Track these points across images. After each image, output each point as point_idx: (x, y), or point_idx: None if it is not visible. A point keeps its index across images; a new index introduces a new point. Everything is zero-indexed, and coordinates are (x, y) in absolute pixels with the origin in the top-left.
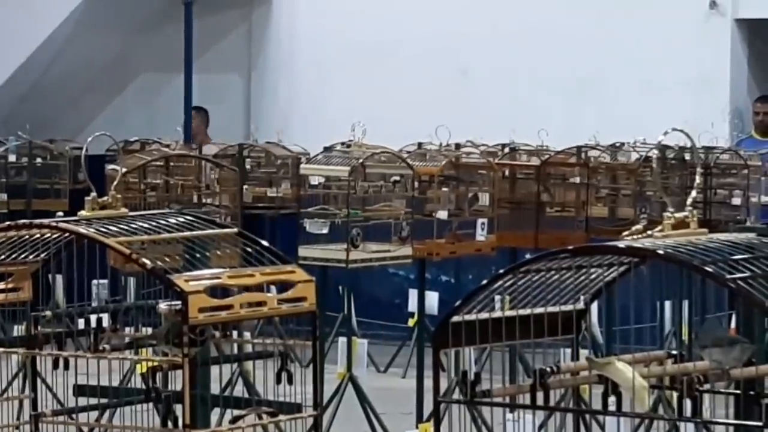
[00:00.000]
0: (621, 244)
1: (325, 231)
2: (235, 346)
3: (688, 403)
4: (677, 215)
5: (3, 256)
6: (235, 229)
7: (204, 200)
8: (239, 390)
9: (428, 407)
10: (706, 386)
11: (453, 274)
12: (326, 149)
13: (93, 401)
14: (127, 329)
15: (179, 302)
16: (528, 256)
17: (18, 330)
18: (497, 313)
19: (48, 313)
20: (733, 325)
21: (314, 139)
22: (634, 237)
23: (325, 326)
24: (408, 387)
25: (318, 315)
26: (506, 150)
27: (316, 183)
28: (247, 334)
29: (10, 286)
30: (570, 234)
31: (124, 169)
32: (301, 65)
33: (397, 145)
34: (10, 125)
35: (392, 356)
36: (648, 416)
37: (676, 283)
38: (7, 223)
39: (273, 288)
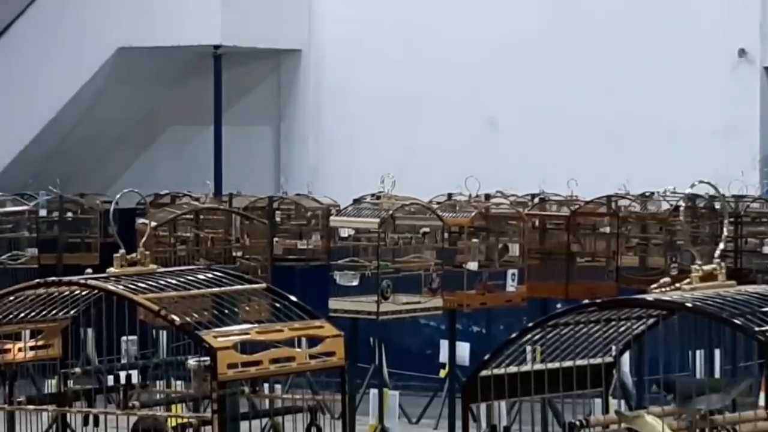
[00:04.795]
0: (649, 298)
1: (355, 283)
2: (266, 400)
3: None
4: (705, 267)
5: (33, 314)
6: (264, 285)
7: (234, 253)
8: None
9: None
10: None
11: (484, 324)
12: (356, 201)
13: None
14: (157, 383)
15: (208, 358)
16: (559, 306)
17: (49, 385)
18: (526, 367)
19: (77, 369)
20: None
21: (344, 190)
22: (663, 289)
23: (356, 378)
24: None
25: (347, 370)
26: (536, 200)
27: (346, 235)
28: (278, 387)
29: (40, 343)
30: (600, 284)
31: (153, 223)
32: (330, 117)
33: (426, 196)
34: (40, 180)
35: (424, 407)
36: None
37: (706, 333)
38: (37, 280)
39: (303, 340)
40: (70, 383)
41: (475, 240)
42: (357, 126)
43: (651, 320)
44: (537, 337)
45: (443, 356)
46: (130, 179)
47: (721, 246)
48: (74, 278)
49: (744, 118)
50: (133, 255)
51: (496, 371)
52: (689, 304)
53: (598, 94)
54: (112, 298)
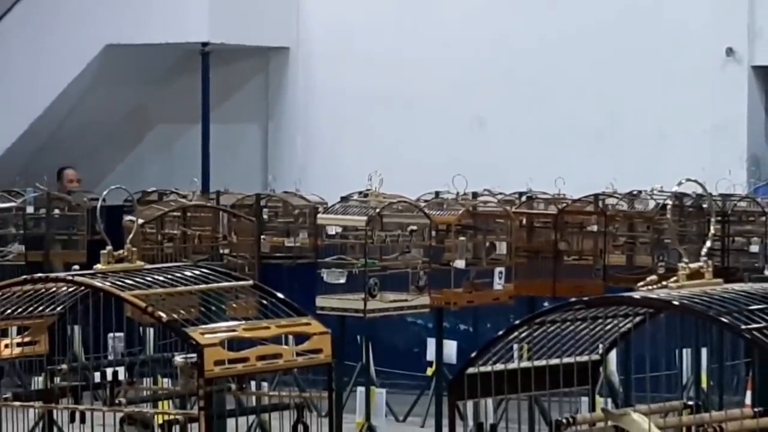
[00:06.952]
0: (636, 295)
1: (342, 281)
2: (253, 397)
3: None
4: (692, 266)
5: (20, 310)
6: (251, 282)
7: (221, 251)
8: None
9: None
10: None
11: (471, 322)
12: (343, 199)
13: None
14: (145, 380)
15: (195, 355)
16: (546, 304)
17: (35, 382)
18: (513, 365)
19: (64, 366)
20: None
21: (331, 188)
22: (650, 287)
23: (343, 376)
24: None
25: (334, 367)
26: (523, 198)
27: (334, 233)
28: (264, 384)
29: (27, 339)
30: (588, 282)
31: (140, 221)
32: (318, 115)
33: (414, 194)
34: (27, 177)
35: (411, 405)
36: None
37: (693, 331)
38: (24, 277)
39: (290, 338)
40: (57, 380)
41: (462, 238)
42: (345, 124)
43: (638, 318)
44: (524, 334)
45: (430, 354)
46: (118, 176)
47: (708, 244)
48: (61, 275)
49: (731, 117)
50: (120, 252)
51: (482, 369)
52: (676, 302)
53: (586, 93)
54: (98, 295)
